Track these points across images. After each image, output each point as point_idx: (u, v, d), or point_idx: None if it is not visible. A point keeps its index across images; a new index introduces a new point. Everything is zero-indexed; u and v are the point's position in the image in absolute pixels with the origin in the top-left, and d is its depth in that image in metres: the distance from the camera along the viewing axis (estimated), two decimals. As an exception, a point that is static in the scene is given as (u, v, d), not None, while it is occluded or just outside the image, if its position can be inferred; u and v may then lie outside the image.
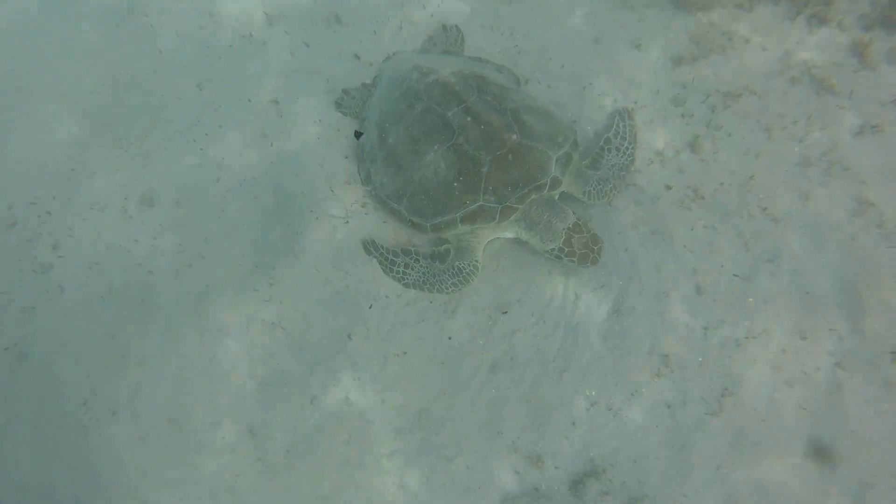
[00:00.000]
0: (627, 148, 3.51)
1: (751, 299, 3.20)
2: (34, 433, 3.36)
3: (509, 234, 3.26)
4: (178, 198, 3.82)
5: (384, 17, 4.22)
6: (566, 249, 3.00)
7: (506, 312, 3.26)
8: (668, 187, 3.52)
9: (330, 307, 3.41)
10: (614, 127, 3.56)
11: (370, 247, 3.45)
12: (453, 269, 3.19)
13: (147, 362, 3.41)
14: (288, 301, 3.46)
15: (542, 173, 3.04)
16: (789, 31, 3.89)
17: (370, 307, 3.33)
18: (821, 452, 2.87)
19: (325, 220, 3.64)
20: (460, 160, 3.03)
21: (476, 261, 3.18)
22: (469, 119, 3.07)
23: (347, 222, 3.63)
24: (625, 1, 4.10)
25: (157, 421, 3.29)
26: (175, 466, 3.20)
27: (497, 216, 3.01)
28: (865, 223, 3.30)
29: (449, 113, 3.12)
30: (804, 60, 3.75)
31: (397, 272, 3.34)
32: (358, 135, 3.64)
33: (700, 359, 3.12)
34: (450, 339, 3.25)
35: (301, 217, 3.65)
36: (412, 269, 3.31)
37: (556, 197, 3.21)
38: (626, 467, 2.95)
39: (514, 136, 3.04)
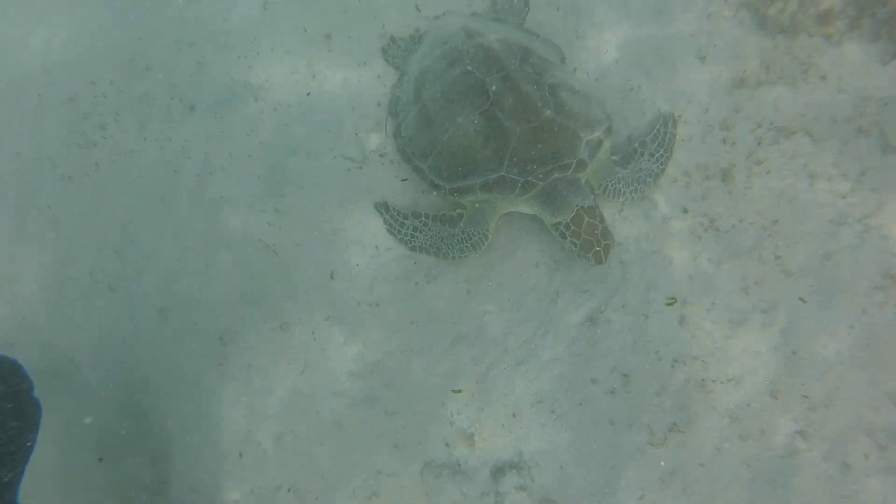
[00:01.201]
0: (662, 156, 3.36)
1: (732, 343, 3.07)
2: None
3: (525, 209, 3.18)
4: (217, 109, 4.00)
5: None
6: (572, 228, 2.91)
7: (469, 291, 3.28)
8: (685, 210, 3.37)
9: (323, 244, 3.55)
10: (655, 131, 3.41)
11: (381, 208, 3.49)
12: (463, 235, 3.18)
13: (151, 255, 3.68)
14: (287, 229, 3.62)
15: (569, 153, 2.97)
16: (877, 76, 3.54)
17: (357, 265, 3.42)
18: (752, 514, 2.79)
19: (341, 161, 3.73)
20: (490, 127, 3.00)
21: (487, 230, 3.14)
22: (506, 87, 3.02)
23: (361, 168, 3.71)
24: (706, 8, 3.83)
25: (147, 309, 3.59)
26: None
27: (517, 189, 2.96)
28: (884, 300, 3.06)
29: (487, 78, 3.08)
30: (882, 111, 3.42)
31: (405, 234, 3.37)
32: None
33: (661, 387, 3.05)
34: (377, 305, 3.32)
35: (321, 153, 3.76)
36: (421, 233, 3.34)
37: (583, 181, 3.10)
38: (551, 471, 2.98)
39: (548, 112, 2.97)
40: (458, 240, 3.17)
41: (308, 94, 3.95)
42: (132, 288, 3.66)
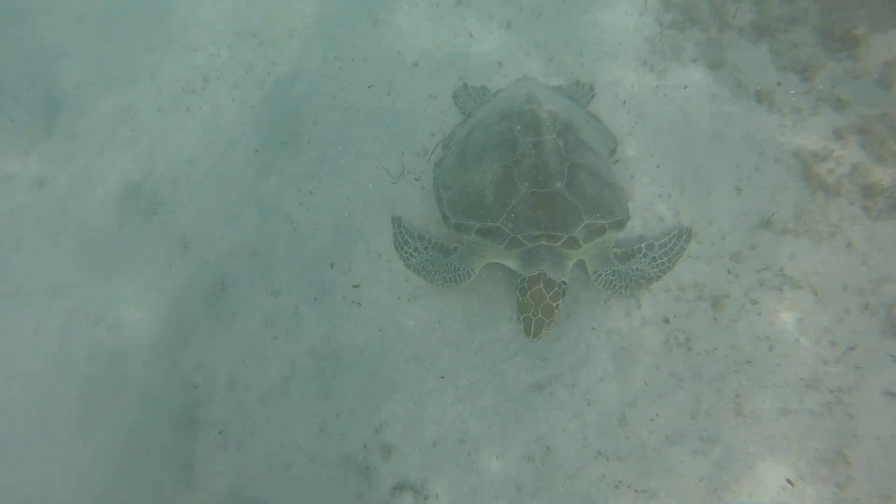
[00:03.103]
0: (664, 265, 3.48)
1: (661, 458, 3.09)
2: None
3: (509, 264, 3.34)
4: (298, 99, 4.55)
5: (560, 45, 4.52)
6: (523, 287, 3.06)
7: (357, 286, 3.59)
8: (666, 321, 3.45)
9: (336, 234, 3.92)
10: (666, 239, 3.54)
11: (395, 222, 3.82)
12: (450, 267, 3.44)
13: (196, 190, 4.21)
14: (312, 211, 4.03)
15: (564, 228, 3.13)
16: (905, 262, 3.50)
17: (357, 286, 3.74)
18: None
19: (380, 171, 4.12)
20: (503, 181, 3.26)
21: (471, 269, 3.36)
22: (532, 151, 3.28)
23: (395, 183, 4.08)
24: (760, 146, 3.96)
25: (172, 236, 4.09)
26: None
27: (506, 242, 3.15)
28: (826, 476, 2.98)
29: (521, 139, 3.36)
30: (894, 299, 3.38)
31: (406, 251, 3.68)
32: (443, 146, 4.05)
33: (576, 471, 3.11)
34: (356, 287, 3.65)
35: (367, 158, 4.17)
36: (419, 253, 3.65)
37: (570, 263, 3.21)
38: (415, 447, 3.16)
39: (559, 185, 3.19)
40: (445, 270, 3.43)
41: (379, 108, 4.40)
42: (166, 215, 4.18)
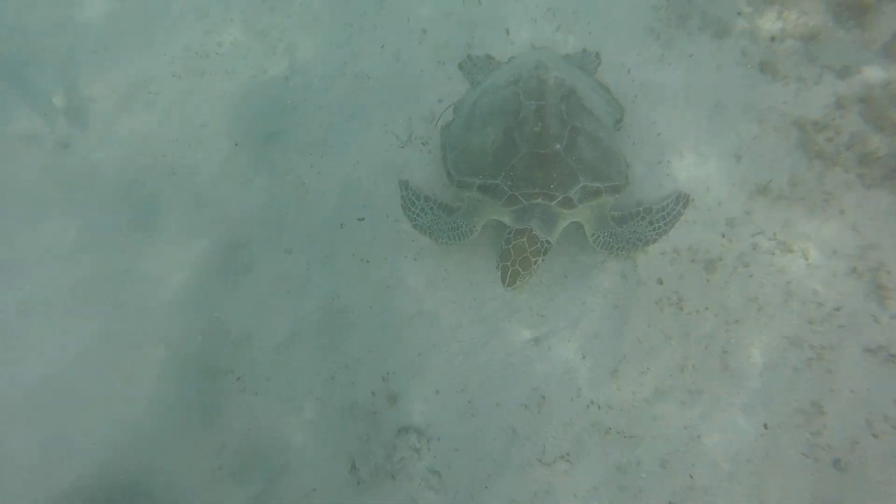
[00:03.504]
0: (661, 228, 3.61)
1: (649, 408, 3.29)
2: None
3: (506, 221, 3.41)
4: (309, 64, 4.67)
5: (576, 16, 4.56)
6: (508, 237, 3.18)
7: (362, 219, 3.90)
8: (660, 282, 3.61)
9: (345, 197, 4.10)
10: (664, 204, 3.66)
11: (403, 185, 3.97)
12: (453, 225, 3.58)
13: (206, 159, 4.39)
14: (323, 175, 4.20)
15: (560, 188, 3.25)
16: (893, 228, 3.61)
17: (362, 219, 3.93)
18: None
19: (389, 136, 4.26)
20: (505, 141, 3.37)
21: (474, 226, 3.49)
22: (534, 114, 3.38)
23: (403, 147, 4.22)
24: (760, 115, 4.03)
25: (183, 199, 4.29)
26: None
27: (503, 199, 3.27)
28: (801, 423, 3.17)
29: (525, 102, 3.46)
30: (884, 260, 3.49)
31: (413, 212, 3.83)
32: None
33: (570, 419, 3.33)
34: (361, 220, 3.92)
35: (374, 124, 4.31)
36: (426, 214, 3.81)
37: (562, 223, 3.34)
38: (446, 448, 3.34)
39: (558, 147, 3.30)
40: (449, 227, 3.59)
41: (386, 73, 4.51)
42: (183, 176, 4.37)
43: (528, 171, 3.27)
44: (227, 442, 3.58)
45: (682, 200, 3.72)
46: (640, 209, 3.64)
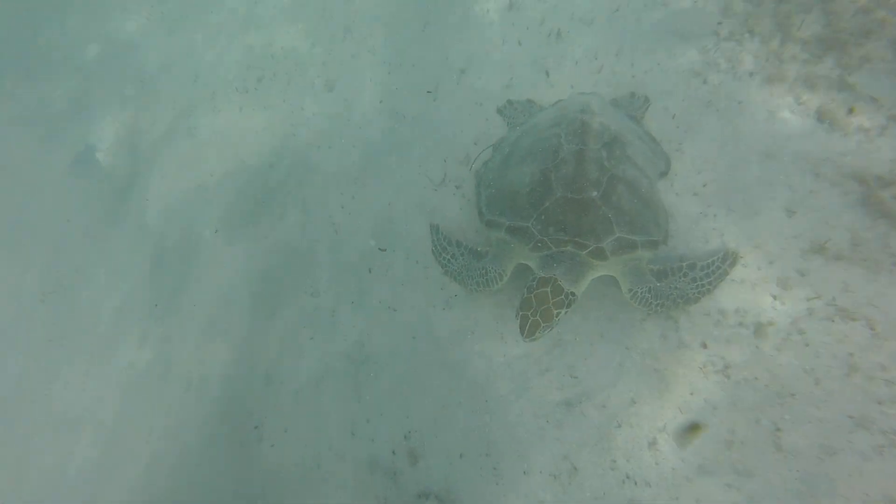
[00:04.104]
0: (704, 287, 3.38)
1: (690, 488, 3.02)
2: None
3: (533, 266, 3.23)
4: (346, 94, 4.65)
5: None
6: (531, 285, 2.99)
7: (384, 250, 3.77)
8: (704, 346, 3.35)
9: (373, 237, 4.01)
10: (709, 261, 3.43)
11: (434, 229, 3.85)
12: (482, 270, 3.44)
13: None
14: (353, 215, 4.13)
15: (592, 237, 3.06)
16: None
17: (384, 250, 3.83)
18: None
19: (422, 177, 4.17)
20: (541, 184, 3.22)
21: (503, 272, 3.34)
22: (573, 158, 3.23)
23: (436, 190, 4.12)
24: (815, 167, 3.77)
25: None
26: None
27: (532, 243, 3.12)
28: None
29: (566, 146, 3.32)
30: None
31: (444, 258, 3.71)
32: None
33: (602, 494, 3.08)
34: (383, 250, 3.81)
35: (410, 163, 4.24)
36: (456, 260, 3.68)
37: (590, 275, 3.13)
38: (442, 456, 3.15)
39: (595, 193, 3.13)
40: (478, 273, 3.44)
41: (425, 111, 4.45)
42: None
43: (560, 216, 3.10)
44: (240, 490, 3.46)
45: (729, 258, 3.47)
46: (683, 264, 3.41)
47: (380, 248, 3.73)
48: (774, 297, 3.42)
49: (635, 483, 3.08)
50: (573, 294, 3.04)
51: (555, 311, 2.95)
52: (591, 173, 3.17)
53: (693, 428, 3.08)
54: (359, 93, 4.68)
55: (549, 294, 2.96)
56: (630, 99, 4.16)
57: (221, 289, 4.10)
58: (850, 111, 3.89)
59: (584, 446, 3.19)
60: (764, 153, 3.86)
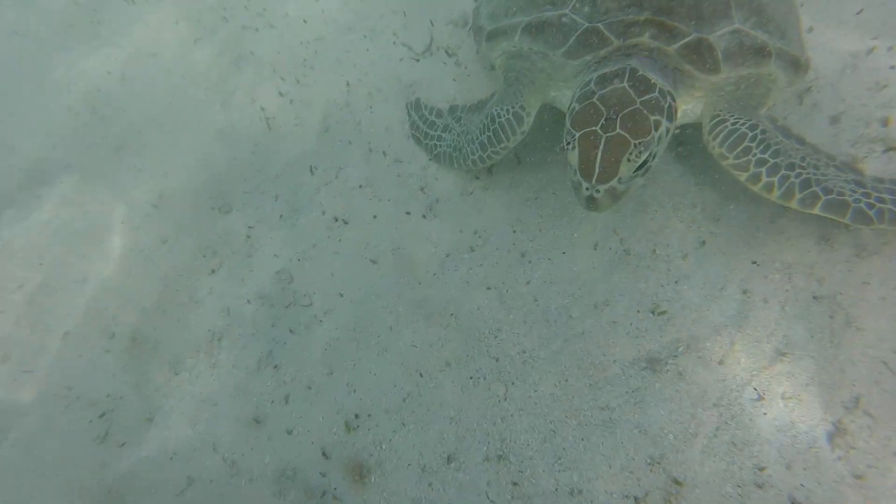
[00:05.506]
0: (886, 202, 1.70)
1: None
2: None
3: (566, 97, 1.82)
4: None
5: None
6: (586, 91, 1.56)
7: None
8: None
9: (323, 129, 2.60)
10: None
11: (411, 108, 2.52)
12: (488, 119, 1.96)
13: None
14: (297, 103, 2.75)
15: (692, 19, 1.62)
16: None
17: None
18: None
19: (398, 47, 2.80)
20: None
21: (521, 107, 1.89)
22: None
23: (418, 60, 2.73)
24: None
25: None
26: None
27: (572, 39, 1.67)
28: None
29: None
30: None
31: (432, 137, 2.33)
32: None
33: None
34: (346, 223, 2.16)
35: (380, 35, 2.93)
36: (451, 132, 2.25)
37: (690, 94, 1.67)
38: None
39: None
40: (482, 130, 1.97)
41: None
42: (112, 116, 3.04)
43: None
44: None
45: None
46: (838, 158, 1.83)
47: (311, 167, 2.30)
48: None
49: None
50: (671, 95, 1.56)
51: (652, 120, 1.46)
52: None
53: None
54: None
55: (628, 92, 1.50)
56: None
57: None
58: None
59: (686, 444, 1.60)
60: None
